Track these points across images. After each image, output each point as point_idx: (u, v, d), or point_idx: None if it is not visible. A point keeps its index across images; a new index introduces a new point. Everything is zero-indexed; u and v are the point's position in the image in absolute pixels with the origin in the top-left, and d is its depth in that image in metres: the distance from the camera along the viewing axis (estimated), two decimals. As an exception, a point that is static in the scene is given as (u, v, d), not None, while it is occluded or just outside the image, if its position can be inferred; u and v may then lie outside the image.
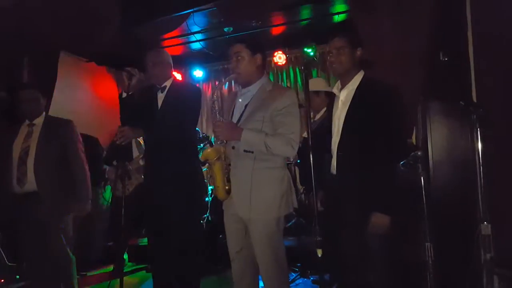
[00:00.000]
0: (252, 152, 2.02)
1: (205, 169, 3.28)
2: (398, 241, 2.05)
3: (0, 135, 2.83)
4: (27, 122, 2.79)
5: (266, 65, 2.21)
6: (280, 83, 5.63)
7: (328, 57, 2.08)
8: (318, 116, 3.10)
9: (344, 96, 2.05)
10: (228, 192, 2.09)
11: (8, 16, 3.92)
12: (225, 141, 2.12)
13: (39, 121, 2.79)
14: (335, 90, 2.13)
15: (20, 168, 2.65)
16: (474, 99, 2.45)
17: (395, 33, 2.61)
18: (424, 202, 1.80)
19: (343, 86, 2.08)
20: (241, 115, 2.12)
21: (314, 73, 5.31)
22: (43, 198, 2.63)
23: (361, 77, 2.03)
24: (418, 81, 2.55)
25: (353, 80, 2.03)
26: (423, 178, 1.80)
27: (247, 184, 2.02)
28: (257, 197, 2.01)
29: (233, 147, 2.08)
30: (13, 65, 3.88)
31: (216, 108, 2.15)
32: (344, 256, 2.03)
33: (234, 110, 2.18)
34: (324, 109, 3.01)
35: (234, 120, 2.13)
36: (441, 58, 2.47)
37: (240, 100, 2.17)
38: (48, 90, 3.69)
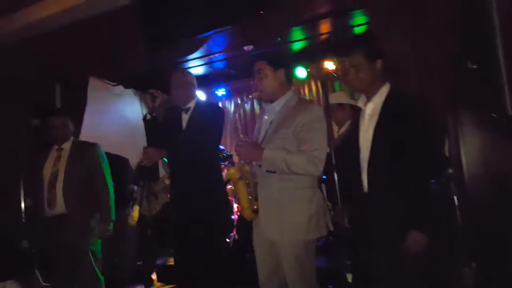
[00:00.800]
0: (275, 172, 1.97)
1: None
2: (434, 264, 1.92)
3: (33, 160, 2.95)
4: (56, 146, 2.91)
5: (291, 80, 2.18)
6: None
7: (349, 75, 2.02)
8: (342, 130, 3.02)
9: (371, 110, 1.95)
10: (256, 211, 2.04)
11: (39, 45, 4.14)
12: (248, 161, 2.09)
13: (67, 145, 2.91)
14: (360, 104, 2.03)
15: (50, 191, 2.77)
16: (509, 108, 2.32)
17: (419, 42, 2.53)
18: (459, 221, 1.69)
19: (368, 100, 1.98)
20: (266, 132, 2.10)
21: (336, 85, 5.25)
22: (72, 220, 2.72)
23: (387, 89, 1.93)
24: (446, 91, 2.45)
25: (378, 93, 1.93)
26: (457, 197, 1.69)
27: (273, 204, 1.98)
28: (284, 218, 1.95)
29: (259, 166, 2.04)
30: (45, 92, 4.07)
31: (239, 127, 2.14)
32: (377, 279, 1.92)
33: (261, 128, 2.17)
34: (349, 122, 2.95)
35: (260, 138, 2.11)
36: (469, 66, 2.36)
37: (265, 117, 2.15)
38: (78, 115, 3.82)
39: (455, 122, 2.62)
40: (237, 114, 2.29)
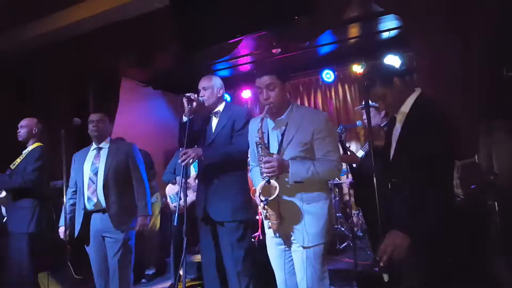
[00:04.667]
0: (302, 182, 2.03)
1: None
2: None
3: (74, 158, 3.08)
4: (95, 145, 3.03)
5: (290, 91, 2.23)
6: (329, 100, 5.62)
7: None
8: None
9: (399, 119, 1.96)
10: (280, 222, 2.09)
11: (75, 46, 4.31)
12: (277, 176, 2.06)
13: (105, 144, 3.02)
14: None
15: (90, 187, 2.88)
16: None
17: (453, 49, 2.53)
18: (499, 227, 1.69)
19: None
20: (280, 144, 2.12)
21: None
22: (110, 214, 2.83)
23: (415, 97, 1.91)
24: (480, 98, 2.44)
25: (406, 102, 1.93)
26: (497, 202, 1.68)
27: (298, 212, 2.04)
28: (307, 225, 2.04)
29: (277, 177, 2.05)
30: (82, 93, 4.23)
31: (262, 143, 2.09)
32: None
33: (270, 141, 2.18)
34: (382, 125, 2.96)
35: (273, 150, 2.13)
36: (504, 73, 2.35)
37: (274, 130, 2.17)
38: (111, 114, 3.96)
39: (487, 129, 2.62)
40: (259, 126, 2.18)
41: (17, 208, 3.18)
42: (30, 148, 3.33)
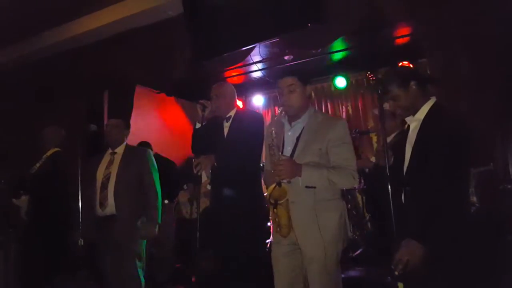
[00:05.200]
0: (315, 187, 2.02)
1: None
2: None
3: (88, 163, 3.09)
4: (110, 150, 3.05)
5: (311, 95, 2.23)
6: (340, 107, 5.60)
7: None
8: (388, 140, 2.99)
9: (414, 125, 1.96)
10: (291, 228, 2.06)
11: (90, 55, 4.40)
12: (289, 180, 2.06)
13: (120, 149, 3.03)
14: (407, 119, 2.03)
15: (102, 193, 2.89)
16: None
17: (467, 55, 2.51)
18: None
19: (413, 115, 1.98)
20: (294, 148, 2.11)
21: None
22: (121, 221, 2.83)
23: (430, 106, 1.91)
24: (495, 105, 2.41)
25: (421, 110, 1.93)
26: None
27: (311, 219, 2.01)
28: (321, 232, 2.00)
29: (289, 182, 2.04)
30: (97, 99, 4.31)
31: (274, 144, 2.10)
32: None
33: (284, 144, 2.17)
34: (395, 133, 2.95)
35: (287, 153, 2.12)
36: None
37: (289, 133, 2.17)
38: (127, 121, 4.02)
39: (504, 135, 2.57)
40: (273, 132, 2.14)
41: None
42: (49, 153, 3.40)
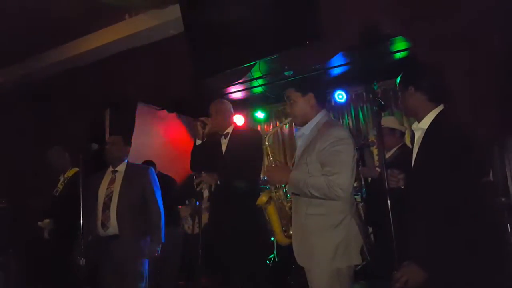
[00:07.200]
0: (299, 195, 1.99)
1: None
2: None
3: (90, 182, 3.08)
4: (111, 168, 3.05)
5: (323, 100, 2.20)
6: (340, 121, 5.63)
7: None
8: (388, 155, 2.95)
9: (418, 135, 1.91)
10: (289, 236, 2.08)
11: (92, 73, 4.46)
12: (277, 185, 2.13)
13: (121, 168, 3.02)
14: (413, 127, 1.98)
15: (104, 212, 2.87)
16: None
17: (471, 66, 2.52)
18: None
19: (418, 123, 1.93)
20: (296, 158, 2.15)
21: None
22: (123, 241, 2.80)
23: (435, 114, 1.84)
24: (495, 117, 2.41)
25: (426, 118, 1.86)
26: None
27: (301, 230, 2.00)
28: (311, 245, 1.95)
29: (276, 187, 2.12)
30: (99, 118, 4.34)
31: (269, 154, 2.17)
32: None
33: (297, 151, 2.20)
34: (395, 148, 2.96)
35: (296, 161, 2.15)
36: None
37: (299, 142, 2.19)
38: (128, 138, 4.04)
39: (502, 148, 2.58)
40: (267, 142, 2.24)
41: None
42: (70, 173, 3.42)
